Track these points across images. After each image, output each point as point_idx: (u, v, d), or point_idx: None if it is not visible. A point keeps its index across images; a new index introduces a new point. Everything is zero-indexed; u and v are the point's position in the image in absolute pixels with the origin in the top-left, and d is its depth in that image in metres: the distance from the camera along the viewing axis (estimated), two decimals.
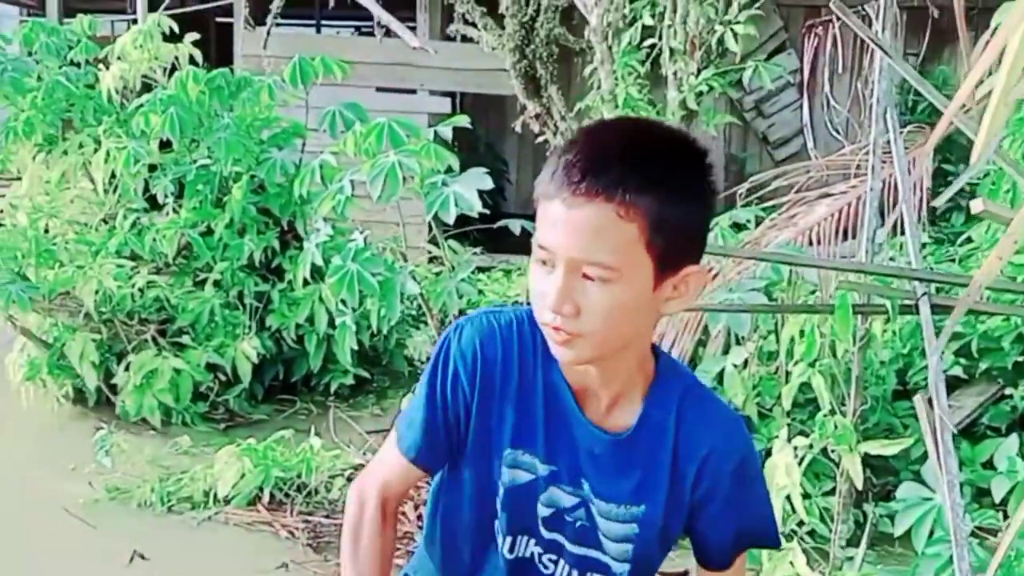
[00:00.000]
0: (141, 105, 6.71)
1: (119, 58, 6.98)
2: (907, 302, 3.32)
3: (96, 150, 6.71)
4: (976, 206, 2.31)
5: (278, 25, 10.89)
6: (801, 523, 3.95)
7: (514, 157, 12.48)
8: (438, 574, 1.86)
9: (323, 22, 14.94)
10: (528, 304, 1.63)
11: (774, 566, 3.45)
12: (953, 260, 6.36)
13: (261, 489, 5.16)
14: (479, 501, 1.73)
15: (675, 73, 6.85)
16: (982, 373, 5.23)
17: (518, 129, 8.92)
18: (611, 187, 1.43)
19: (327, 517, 5.05)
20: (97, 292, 6.14)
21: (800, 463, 3.60)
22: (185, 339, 6.47)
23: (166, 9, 8.15)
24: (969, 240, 6.21)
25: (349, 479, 5.23)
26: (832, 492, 4.43)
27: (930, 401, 3.11)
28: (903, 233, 5.26)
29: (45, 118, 6.89)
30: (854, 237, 5.07)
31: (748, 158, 11.69)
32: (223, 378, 6.49)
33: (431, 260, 7.87)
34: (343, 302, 5.88)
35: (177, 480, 5.33)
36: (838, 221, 5.51)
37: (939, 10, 9.74)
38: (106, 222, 6.86)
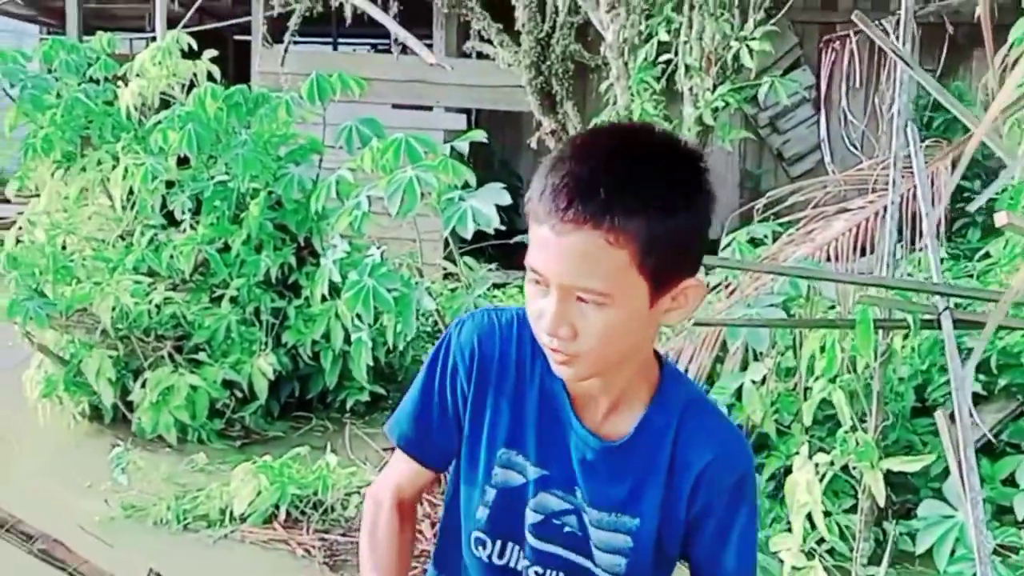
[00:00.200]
0: (159, 122, 6.73)
1: (138, 75, 7.01)
2: (928, 317, 3.29)
3: (114, 166, 6.73)
4: (1000, 219, 2.28)
5: (295, 43, 10.94)
6: (821, 540, 3.92)
7: (529, 174, 12.34)
8: None
9: (340, 39, 15.02)
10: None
11: None
12: (971, 275, 6.33)
13: (277, 507, 5.15)
14: (470, 504, 1.72)
15: (691, 89, 6.85)
16: (1001, 389, 5.19)
17: (534, 145, 8.93)
18: (598, 214, 1.40)
19: (343, 535, 5.03)
20: (114, 309, 6.15)
21: (821, 480, 3.57)
22: (201, 356, 6.46)
23: (184, 27, 8.20)
24: (987, 255, 6.18)
25: (365, 496, 5.20)
26: (851, 510, 4.40)
27: (951, 417, 3.08)
28: (920, 248, 5.25)
29: (64, 135, 6.92)
30: (872, 252, 5.04)
31: (763, 174, 11.67)
32: (239, 395, 6.48)
33: (447, 276, 7.86)
34: (359, 318, 5.87)
35: (193, 498, 5.31)
36: (855, 237, 5.47)
37: (954, 26, 9.72)
38: (123, 238, 6.87)
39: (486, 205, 4.98)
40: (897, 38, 3.57)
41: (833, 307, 4.65)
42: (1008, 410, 5.17)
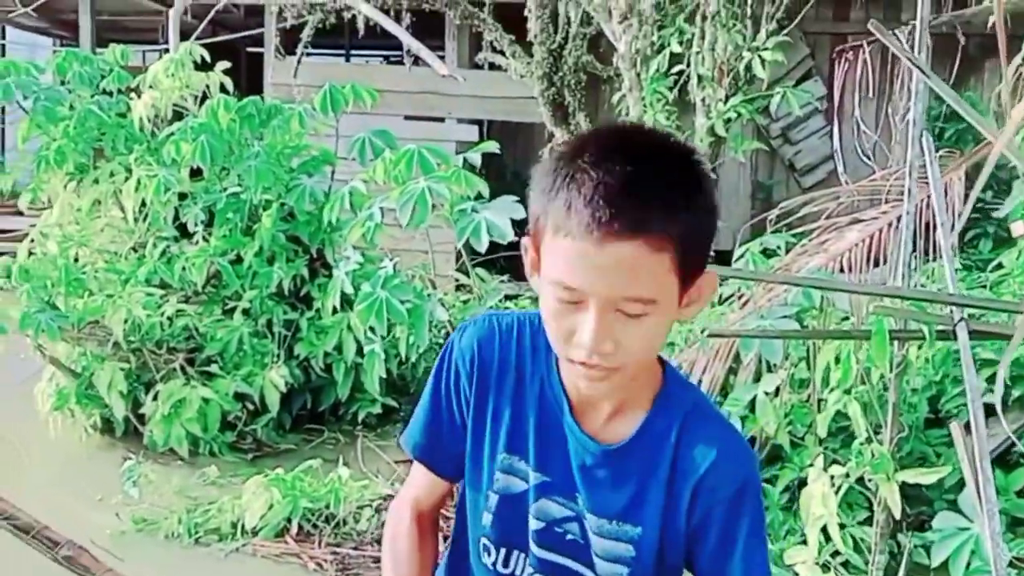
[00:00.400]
0: (172, 133, 6.75)
1: (151, 87, 7.03)
2: (943, 328, 3.26)
3: (127, 178, 6.75)
4: (1017, 229, 2.27)
5: (308, 54, 10.97)
6: (836, 553, 3.89)
7: None
8: None
9: (352, 51, 15.05)
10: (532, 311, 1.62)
11: None
12: (984, 286, 6.29)
13: (289, 520, 5.13)
14: (476, 510, 1.72)
15: (703, 100, 6.84)
16: (1015, 401, 5.15)
17: (546, 156, 8.92)
18: (640, 222, 1.38)
19: (355, 548, 5.01)
20: (126, 321, 6.14)
21: (836, 492, 3.55)
22: (213, 368, 6.46)
23: (197, 39, 8.22)
24: (1000, 266, 6.14)
25: (377, 510, 5.20)
26: (866, 522, 4.37)
27: (967, 427, 3.06)
28: (933, 259, 5.22)
29: (77, 147, 6.93)
30: (884, 264, 5.02)
31: (775, 185, 11.64)
32: (251, 407, 6.47)
33: (459, 288, 7.85)
34: (371, 330, 5.86)
35: (205, 511, 5.30)
36: (869, 247, 5.45)
37: (966, 36, 9.70)
38: (136, 250, 6.88)
39: (500, 218, 4.97)
40: (911, 47, 3.55)
41: (847, 318, 4.63)
42: (1022, 421, 5.14)
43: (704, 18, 6.75)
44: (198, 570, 4.89)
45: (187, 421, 6.16)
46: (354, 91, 6.77)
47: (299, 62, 10.74)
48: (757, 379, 4.69)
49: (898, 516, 3.70)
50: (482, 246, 5.01)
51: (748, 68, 6.70)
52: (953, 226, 5.14)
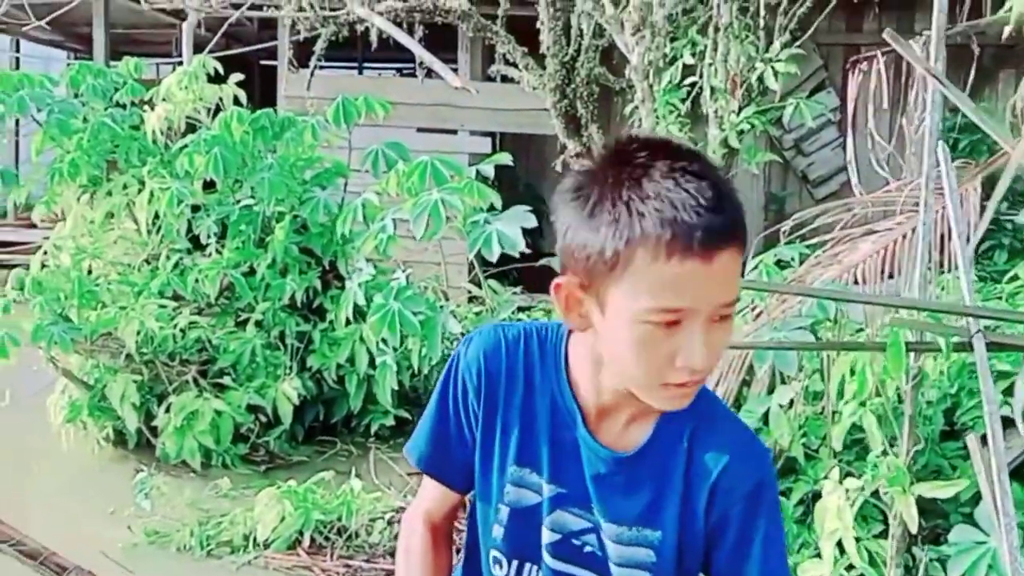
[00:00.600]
0: (185, 146, 6.76)
1: (164, 99, 7.04)
2: (960, 339, 3.24)
3: (140, 191, 6.76)
4: None
5: (321, 67, 10.98)
6: (851, 567, 3.86)
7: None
8: None
9: (365, 64, 15.09)
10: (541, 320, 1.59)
11: None
12: (1000, 298, 6.25)
13: (301, 532, 5.12)
14: (486, 522, 1.70)
15: (716, 111, 6.82)
16: None
17: (558, 168, 8.91)
18: (732, 228, 1.38)
19: (367, 561, 4.99)
20: (139, 333, 6.15)
21: (851, 505, 3.52)
22: (226, 380, 6.46)
23: (211, 52, 8.24)
24: (1016, 278, 6.10)
25: (390, 522, 5.19)
26: (881, 535, 4.33)
27: (983, 440, 3.03)
28: (948, 271, 5.19)
29: (90, 159, 6.95)
30: (899, 275, 4.99)
31: (788, 197, 11.61)
32: (264, 419, 6.47)
33: (472, 300, 7.84)
34: (384, 342, 5.85)
35: (217, 523, 5.29)
36: (883, 259, 5.42)
37: (980, 47, 9.66)
38: (149, 263, 6.89)
39: (512, 228, 4.96)
40: (926, 58, 3.53)
41: (861, 330, 4.60)
42: None
43: (717, 30, 6.73)
44: None
45: (199, 433, 6.16)
46: (367, 103, 6.78)
47: (312, 75, 10.75)
48: (771, 391, 4.65)
49: (914, 530, 3.67)
50: (493, 257, 5.00)
51: (761, 79, 6.67)
52: (969, 237, 5.11)
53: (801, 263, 5.45)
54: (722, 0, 6.63)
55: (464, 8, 9.23)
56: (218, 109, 7.12)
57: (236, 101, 7.12)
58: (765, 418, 4.51)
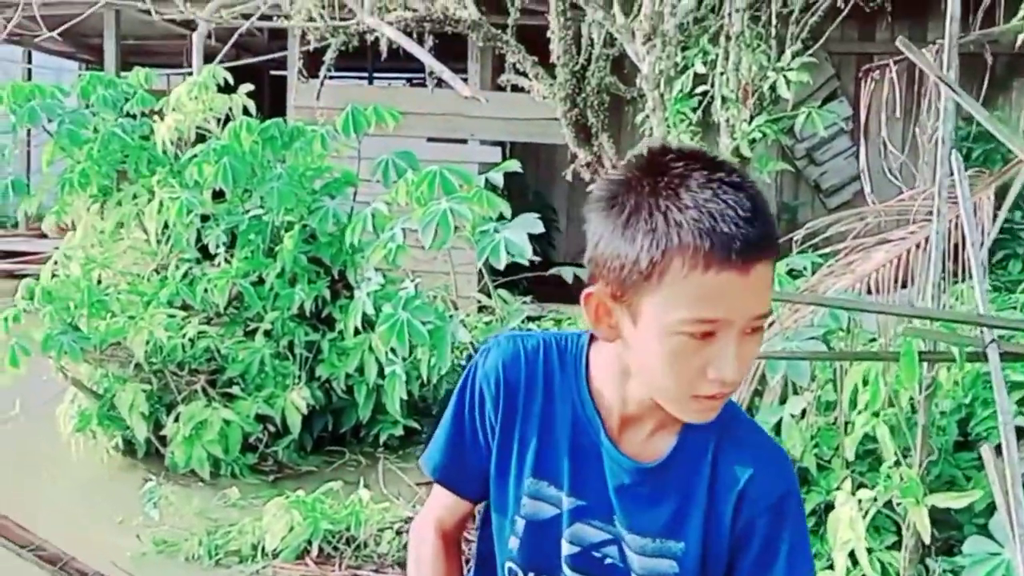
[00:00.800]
0: (195, 155, 6.75)
1: (174, 109, 7.04)
2: (973, 349, 3.20)
3: (150, 200, 6.75)
4: None
5: (331, 77, 11.00)
6: None
7: (564, 206, 12.48)
8: None
9: (375, 74, 15.10)
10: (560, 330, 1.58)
11: None
12: (1014, 307, 6.21)
13: (309, 542, 5.09)
14: (502, 533, 1.69)
15: (727, 120, 6.79)
16: None
17: (568, 178, 8.90)
18: (767, 239, 1.38)
19: (376, 571, 4.97)
20: (148, 342, 6.15)
21: (864, 516, 3.48)
22: (235, 389, 6.45)
23: (221, 62, 8.25)
24: None
25: (398, 532, 5.16)
26: (894, 547, 4.29)
27: (997, 450, 2.99)
28: (962, 280, 5.15)
29: (100, 169, 6.95)
30: (912, 285, 4.95)
31: (800, 206, 11.57)
32: (272, 429, 6.46)
33: (481, 309, 7.82)
34: (393, 351, 5.83)
35: (225, 533, 5.28)
36: (896, 268, 5.39)
37: (993, 56, 9.63)
38: (158, 272, 6.88)
39: (519, 235, 4.95)
40: (939, 66, 3.50)
41: (874, 339, 4.56)
42: None
43: (728, 38, 6.71)
44: None
45: (208, 443, 6.15)
46: (376, 113, 6.77)
47: (322, 84, 10.78)
48: (783, 401, 4.62)
49: (927, 541, 3.64)
50: (500, 264, 4.98)
51: (773, 88, 6.65)
52: (982, 246, 5.08)
53: (813, 273, 5.42)
54: (734, 9, 6.61)
55: (474, 18, 9.24)
56: (228, 119, 7.12)
57: (246, 111, 7.12)
58: (777, 428, 4.48)
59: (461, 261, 5.80)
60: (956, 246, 4.99)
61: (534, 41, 9.03)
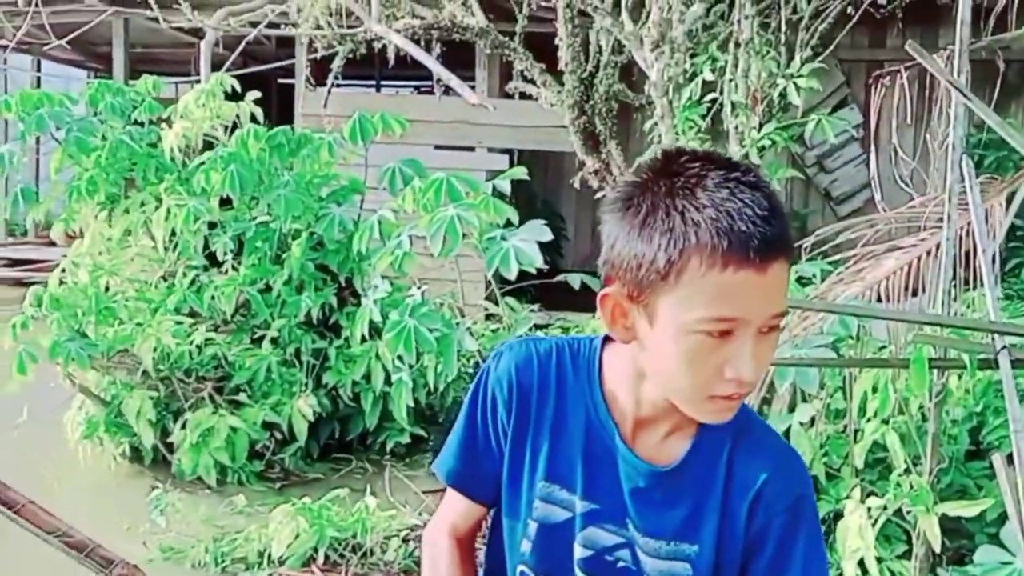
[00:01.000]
0: (202, 163, 6.75)
1: (182, 117, 7.05)
2: (985, 356, 3.17)
3: (157, 208, 6.75)
4: None
5: (338, 85, 11.00)
6: None
7: (572, 214, 12.46)
8: None
9: (383, 82, 15.12)
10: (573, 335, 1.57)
11: None
12: None
13: (316, 550, 5.07)
14: (513, 537, 1.69)
15: (736, 127, 6.76)
16: None
17: (576, 185, 8.88)
18: (782, 240, 1.39)
19: None
20: (155, 349, 6.14)
21: (873, 525, 3.45)
22: (242, 397, 6.44)
23: (228, 70, 8.25)
24: None
25: (405, 540, 5.14)
26: (904, 556, 4.26)
27: (1009, 459, 2.97)
28: (973, 288, 5.11)
29: (108, 177, 6.96)
30: (923, 292, 4.92)
31: (810, 214, 11.54)
32: (279, 436, 6.44)
33: (488, 317, 7.80)
34: (400, 359, 5.82)
35: (231, 540, 5.26)
36: (907, 276, 5.35)
37: (1005, 63, 9.59)
38: (166, 279, 6.88)
39: (529, 244, 4.93)
40: (950, 71, 3.48)
41: (884, 347, 4.53)
42: None
43: (737, 45, 6.68)
44: None
45: (215, 450, 6.14)
46: (383, 120, 6.77)
47: (329, 92, 10.77)
48: (792, 409, 4.60)
49: (938, 549, 3.61)
50: (512, 274, 4.96)
51: (783, 95, 6.62)
52: (994, 252, 5.04)
53: (823, 280, 5.39)
54: (743, 16, 6.58)
55: (482, 25, 9.23)
56: (235, 127, 7.12)
57: (253, 118, 7.12)
58: (786, 436, 4.45)
59: (468, 268, 5.79)
60: (968, 253, 4.96)
61: (542, 48, 9.02)
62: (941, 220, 3.78)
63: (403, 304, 5.38)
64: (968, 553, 4.08)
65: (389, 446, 6.76)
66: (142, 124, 7.28)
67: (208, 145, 7.13)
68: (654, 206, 1.40)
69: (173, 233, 6.70)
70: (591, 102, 8.45)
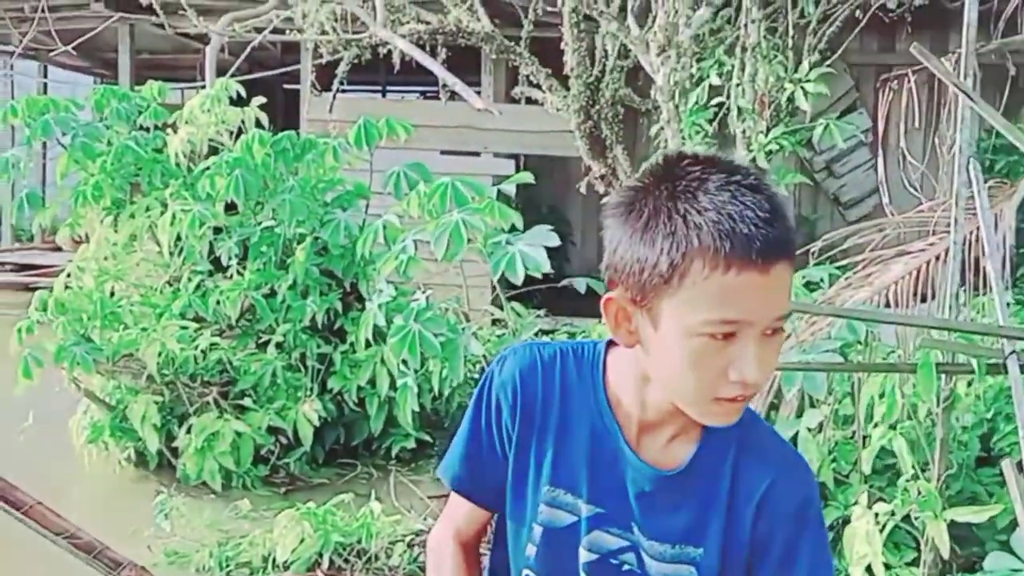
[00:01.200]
0: (207, 168, 6.75)
1: (187, 122, 7.04)
2: (994, 361, 3.15)
3: (162, 213, 6.75)
4: None
5: (344, 90, 11.00)
6: None
7: (578, 219, 12.43)
8: None
9: (388, 87, 15.12)
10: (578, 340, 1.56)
11: None
12: None
13: (320, 555, 5.05)
14: (518, 542, 1.68)
15: (743, 132, 6.74)
16: None
17: (582, 190, 8.87)
18: (785, 241, 1.39)
19: None
20: (160, 354, 6.14)
21: (881, 531, 3.42)
22: (247, 401, 6.43)
23: (233, 76, 8.25)
24: None
25: (410, 545, 5.12)
26: (913, 563, 4.22)
27: (1019, 466, 2.94)
28: (982, 293, 5.08)
29: (114, 182, 6.96)
30: (932, 298, 4.89)
31: (818, 220, 11.49)
32: (284, 441, 6.44)
33: (494, 322, 7.78)
34: (405, 364, 5.80)
35: (236, 545, 5.25)
36: (915, 280, 5.32)
37: (1015, 66, 9.56)
38: (171, 284, 6.88)
39: (535, 249, 4.91)
40: (957, 75, 3.45)
41: (892, 352, 4.51)
42: None
43: (744, 50, 6.66)
44: None
45: (220, 454, 6.13)
46: (388, 125, 6.76)
47: (334, 97, 10.78)
48: (799, 415, 4.57)
49: (947, 556, 3.58)
50: (518, 280, 4.94)
51: (791, 100, 6.59)
52: (1003, 256, 5.01)
53: (831, 284, 5.36)
54: (750, 20, 6.56)
55: (487, 30, 9.22)
56: (240, 132, 7.12)
57: (258, 124, 7.11)
58: (794, 442, 4.42)
59: (473, 273, 5.77)
60: (977, 259, 4.93)
61: (548, 53, 9.01)
62: (950, 225, 3.75)
63: (408, 309, 5.36)
64: (979, 560, 4.05)
65: (394, 451, 6.75)
66: (148, 129, 7.29)
67: (213, 150, 7.13)
68: (656, 210, 1.40)
69: (178, 238, 6.69)
70: (597, 107, 8.44)
